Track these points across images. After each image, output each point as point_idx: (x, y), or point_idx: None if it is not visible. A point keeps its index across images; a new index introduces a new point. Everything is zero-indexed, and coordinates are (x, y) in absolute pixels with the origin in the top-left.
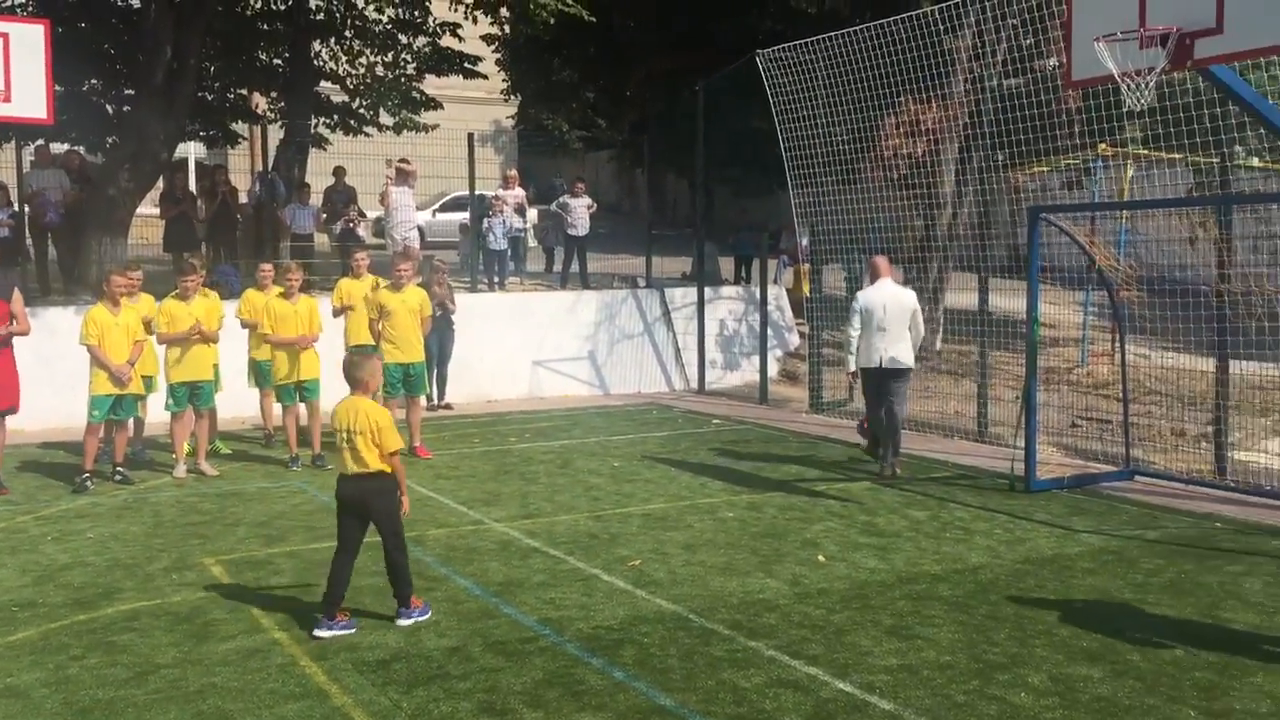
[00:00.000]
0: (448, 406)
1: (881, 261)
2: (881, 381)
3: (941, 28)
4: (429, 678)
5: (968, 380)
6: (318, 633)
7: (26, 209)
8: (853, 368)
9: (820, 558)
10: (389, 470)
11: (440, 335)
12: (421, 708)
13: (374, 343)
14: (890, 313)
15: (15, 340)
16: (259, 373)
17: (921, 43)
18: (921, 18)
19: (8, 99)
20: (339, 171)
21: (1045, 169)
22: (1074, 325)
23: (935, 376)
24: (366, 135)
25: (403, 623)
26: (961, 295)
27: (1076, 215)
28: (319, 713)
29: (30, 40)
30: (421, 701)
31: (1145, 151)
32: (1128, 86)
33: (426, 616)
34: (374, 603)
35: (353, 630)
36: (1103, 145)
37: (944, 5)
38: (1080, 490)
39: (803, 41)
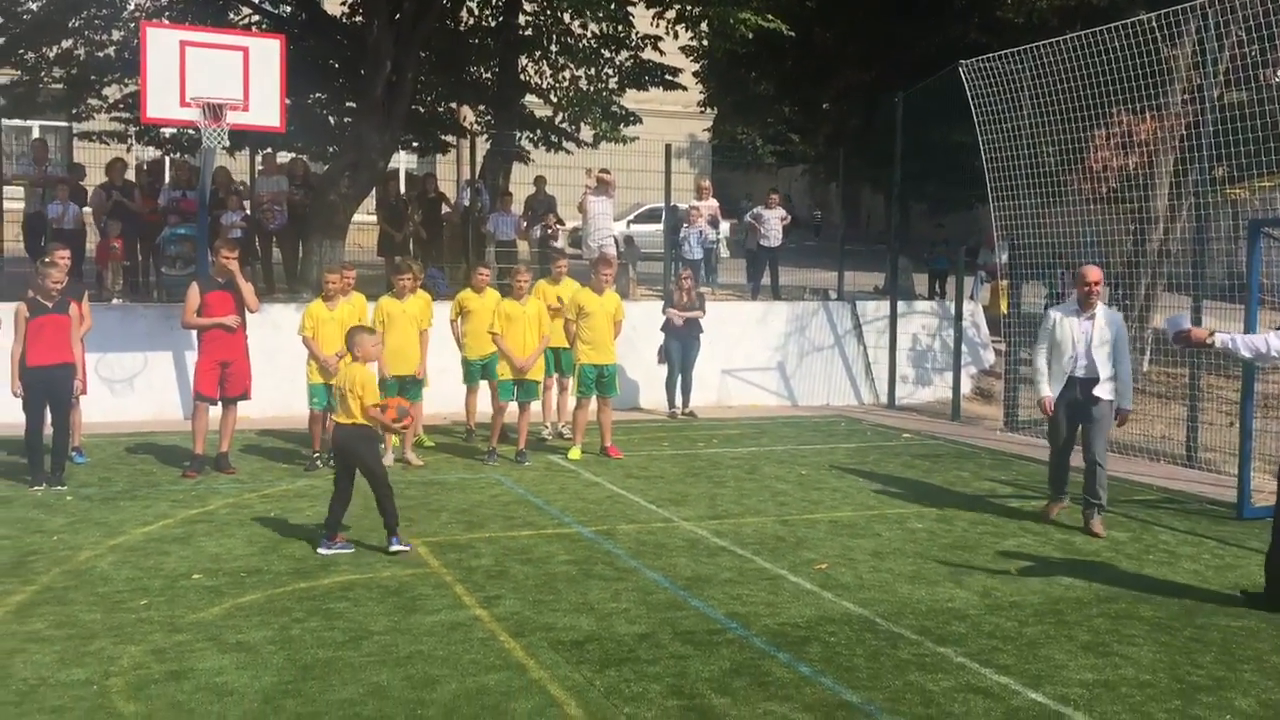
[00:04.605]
0: (691, 414)
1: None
2: None
3: (1158, 37)
4: (620, 660)
5: (1175, 403)
6: (321, 550)
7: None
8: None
9: (1012, 570)
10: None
11: (684, 343)
12: (613, 686)
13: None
14: None
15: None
16: (467, 370)
17: (1136, 53)
18: (1136, 26)
19: (246, 108)
20: (540, 181)
21: (1271, 185)
22: None
23: (1142, 398)
24: (567, 152)
25: (392, 549)
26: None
27: None
28: (517, 683)
29: (267, 54)
30: (613, 681)
31: None
32: None
33: (405, 549)
34: (567, 589)
35: (350, 550)
36: None
37: (1161, 14)
38: None
39: (1009, 52)
